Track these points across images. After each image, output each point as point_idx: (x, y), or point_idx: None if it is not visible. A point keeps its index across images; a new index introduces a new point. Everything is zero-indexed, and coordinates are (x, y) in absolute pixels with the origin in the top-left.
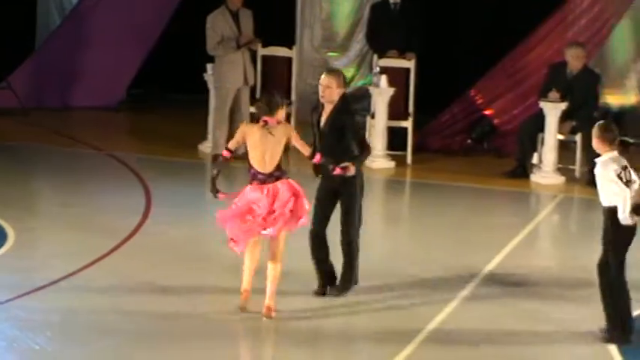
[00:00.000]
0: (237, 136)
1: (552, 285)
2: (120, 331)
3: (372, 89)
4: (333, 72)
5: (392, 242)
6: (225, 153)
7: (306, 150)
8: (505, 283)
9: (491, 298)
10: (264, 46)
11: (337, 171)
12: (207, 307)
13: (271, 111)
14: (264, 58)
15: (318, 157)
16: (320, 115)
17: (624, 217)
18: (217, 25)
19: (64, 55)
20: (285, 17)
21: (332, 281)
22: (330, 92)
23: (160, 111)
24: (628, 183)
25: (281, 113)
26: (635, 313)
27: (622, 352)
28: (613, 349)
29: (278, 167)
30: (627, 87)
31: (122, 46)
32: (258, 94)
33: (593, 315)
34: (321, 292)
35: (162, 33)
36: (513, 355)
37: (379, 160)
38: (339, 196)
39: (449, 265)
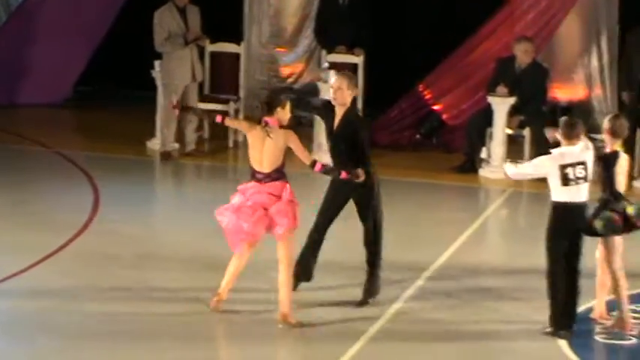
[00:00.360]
0: (239, 123)
1: (501, 280)
2: (66, 330)
3: (320, 85)
4: (343, 74)
5: (340, 238)
6: (219, 118)
7: (306, 158)
8: (454, 278)
9: (440, 294)
10: (212, 42)
11: (343, 175)
12: (156, 306)
13: (270, 110)
14: (212, 54)
15: (318, 166)
16: (333, 119)
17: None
18: (164, 21)
19: (10, 52)
20: (232, 13)
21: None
22: (341, 94)
23: (108, 108)
24: (566, 179)
25: (282, 113)
26: (584, 306)
27: (572, 346)
28: (563, 343)
29: (278, 169)
30: (575, 81)
31: (69, 43)
32: (206, 90)
33: (543, 309)
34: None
35: (109, 29)
36: (464, 350)
37: (327, 156)
38: (356, 205)
39: (398, 261)
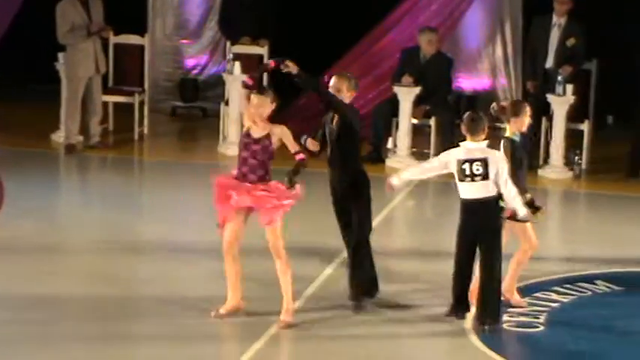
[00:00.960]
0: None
1: (408, 270)
2: None
3: (225, 76)
4: (342, 75)
5: (247, 228)
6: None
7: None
8: None
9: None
10: (116, 34)
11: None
12: (65, 304)
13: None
14: (116, 45)
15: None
16: (332, 120)
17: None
18: (67, 13)
19: None
20: (136, 5)
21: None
22: (340, 96)
23: (11, 100)
24: (463, 175)
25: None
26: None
27: (479, 334)
28: (470, 332)
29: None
30: (480, 71)
31: None
32: (110, 83)
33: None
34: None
35: (11, 22)
36: (367, 341)
37: (233, 147)
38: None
39: (306, 251)
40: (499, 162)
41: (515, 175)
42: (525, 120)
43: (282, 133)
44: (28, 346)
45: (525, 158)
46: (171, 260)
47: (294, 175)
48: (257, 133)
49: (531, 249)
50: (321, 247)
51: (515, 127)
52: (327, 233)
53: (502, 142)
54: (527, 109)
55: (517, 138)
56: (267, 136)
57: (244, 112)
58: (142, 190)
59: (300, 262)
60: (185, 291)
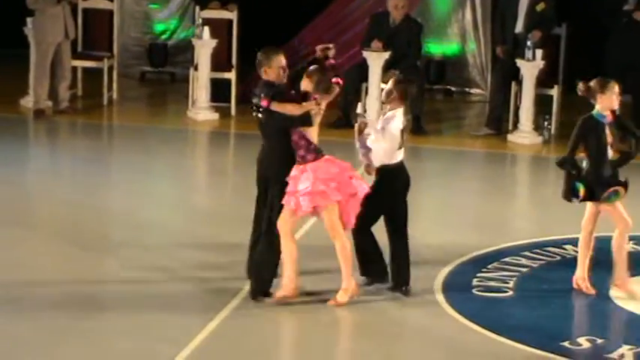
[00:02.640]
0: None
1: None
2: None
3: (194, 41)
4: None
5: (216, 194)
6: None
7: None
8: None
9: (311, 251)
10: None
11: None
12: (33, 269)
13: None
14: (85, 10)
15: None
16: None
17: None
18: None
19: None
20: None
21: None
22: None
23: None
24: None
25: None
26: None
27: (449, 301)
28: (441, 299)
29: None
30: (450, 36)
31: None
32: (79, 48)
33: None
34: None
35: None
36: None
37: (203, 112)
38: None
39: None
40: None
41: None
42: (613, 98)
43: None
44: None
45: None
46: (138, 226)
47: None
48: None
49: (627, 229)
50: None
51: (603, 106)
52: None
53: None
54: (615, 87)
55: (600, 117)
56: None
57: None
58: (111, 155)
59: None
60: (153, 256)
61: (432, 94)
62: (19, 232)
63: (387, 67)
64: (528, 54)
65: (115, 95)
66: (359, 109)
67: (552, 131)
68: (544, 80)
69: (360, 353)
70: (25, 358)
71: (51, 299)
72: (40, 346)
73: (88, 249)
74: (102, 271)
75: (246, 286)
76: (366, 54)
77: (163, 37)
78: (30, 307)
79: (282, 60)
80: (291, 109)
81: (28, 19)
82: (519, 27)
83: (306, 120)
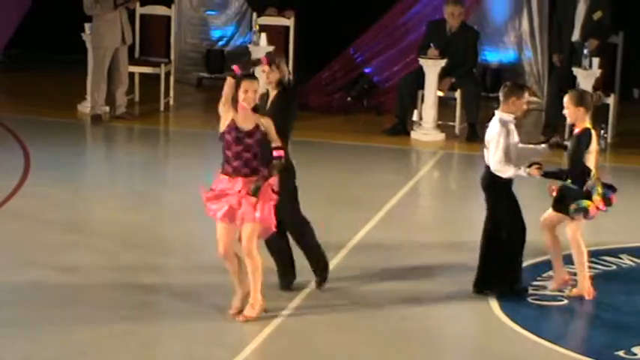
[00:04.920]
0: None
1: (434, 241)
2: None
3: (251, 47)
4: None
5: None
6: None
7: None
8: (386, 240)
9: (370, 256)
10: (142, 4)
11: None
12: (91, 273)
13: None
14: (143, 17)
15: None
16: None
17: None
18: None
19: None
20: None
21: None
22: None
23: (39, 71)
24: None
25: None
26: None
27: (503, 308)
28: (495, 305)
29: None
30: (506, 44)
31: None
32: (136, 54)
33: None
34: None
35: None
36: (390, 312)
37: None
38: None
39: (330, 223)
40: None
41: None
42: None
43: (267, 125)
44: (58, 310)
45: None
46: (195, 227)
47: (271, 171)
48: (246, 125)
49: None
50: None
51: None
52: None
53: None
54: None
55: None
56: (257, 127)
57: (225, 103)
58: (167, 159)
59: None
60: (209, 260)
61: (488, 102)
62: (75, 237)
63: (443, 75)
64: (585, 62)
65: (171, 101)
66: (415, 117)
67: (608, 140)
68: (600, 89)
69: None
70: None
71: (108, 303)
72: (97, 350)
73: (144, 253)
74: (158, 275)
75: (300, 292)
76: (422, 61)
77: (220, 43)
78: (86, 312)
79: None
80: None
81: (86, 25)
82: (576, 35)
83: None
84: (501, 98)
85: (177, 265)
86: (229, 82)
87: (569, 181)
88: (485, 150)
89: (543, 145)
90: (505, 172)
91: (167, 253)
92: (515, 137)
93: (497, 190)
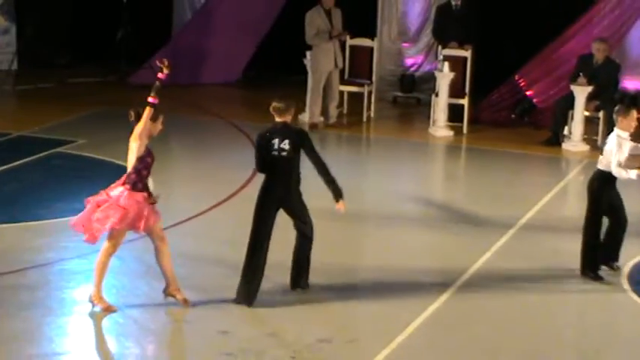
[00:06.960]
0: None
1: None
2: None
3: (436, 73)
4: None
5: (448, 195)
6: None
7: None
8: (543, 229)
9: (527, 245)
10: (352, 37)
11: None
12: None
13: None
14: (352, 47)
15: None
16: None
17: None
18: (314, 20)
19: (193, 42)
20: (368, 14)
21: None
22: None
23: (270, 88)
24: None
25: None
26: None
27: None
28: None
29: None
30: None
31: (240, 36)
32: (346, 76)
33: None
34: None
35: (271, 26)
36: (535, 297)
37: (441, 130)
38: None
39: (494, 215)
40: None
41: None
42: None
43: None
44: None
45: None
46: (390, 228)
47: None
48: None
49: None
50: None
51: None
52: (510, 202)
53: None
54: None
55: None
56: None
57: (144, 131)
58: (368, 160)
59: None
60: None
61: None
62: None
63: (590, 99)
64: None
65: (372, 114)
66: (566, 131)
67: None
68: None
69: (541, 341)
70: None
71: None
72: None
73: (344, 240)
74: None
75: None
76: (573, 87)
77: (412, 69)
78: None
79: None
80: None
81: (307, 52)
82: None
83: None
84: (614, 117)
85: (378, 245)
86: (148, 113)
87: None
88: (600, 156)
89: None
90: (621, 176)
91: (354, 239)
92: (625, 152)
93: (602, 187)
